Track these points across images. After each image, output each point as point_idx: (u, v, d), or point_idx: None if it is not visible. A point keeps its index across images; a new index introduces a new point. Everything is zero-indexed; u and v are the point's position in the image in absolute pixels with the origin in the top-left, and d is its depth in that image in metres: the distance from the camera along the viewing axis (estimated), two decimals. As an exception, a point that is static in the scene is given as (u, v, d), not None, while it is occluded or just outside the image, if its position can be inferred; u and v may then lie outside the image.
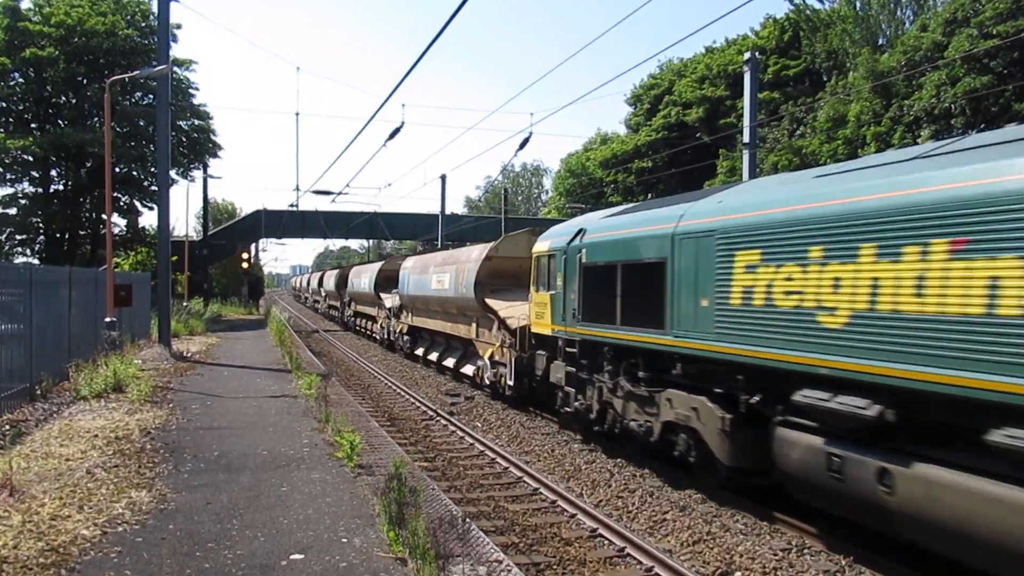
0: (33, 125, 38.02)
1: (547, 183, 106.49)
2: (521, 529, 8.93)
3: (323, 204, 48.14)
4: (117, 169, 34.47)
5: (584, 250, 12.62)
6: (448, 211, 47.95)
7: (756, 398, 8.79)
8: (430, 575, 5.75)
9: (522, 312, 16.48)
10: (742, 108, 22.53)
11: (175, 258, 31.65)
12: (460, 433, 14.34)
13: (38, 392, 13.56)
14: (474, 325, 19.57)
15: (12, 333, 12.80)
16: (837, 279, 7.41)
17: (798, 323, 7.86)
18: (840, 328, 7.33)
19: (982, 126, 30.16)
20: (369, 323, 36.69)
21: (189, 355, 21.86)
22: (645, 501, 10.03)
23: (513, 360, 16.37)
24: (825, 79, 43.74)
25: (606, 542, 8.51)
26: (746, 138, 20.93)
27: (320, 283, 60.17)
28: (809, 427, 7.93)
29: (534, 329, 15.12)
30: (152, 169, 37.11)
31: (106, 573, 5.88)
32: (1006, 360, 5.80)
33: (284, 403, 14.23)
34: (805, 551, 8.24)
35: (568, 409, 13.49)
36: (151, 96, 37.45)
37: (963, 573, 6.75)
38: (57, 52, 35.43)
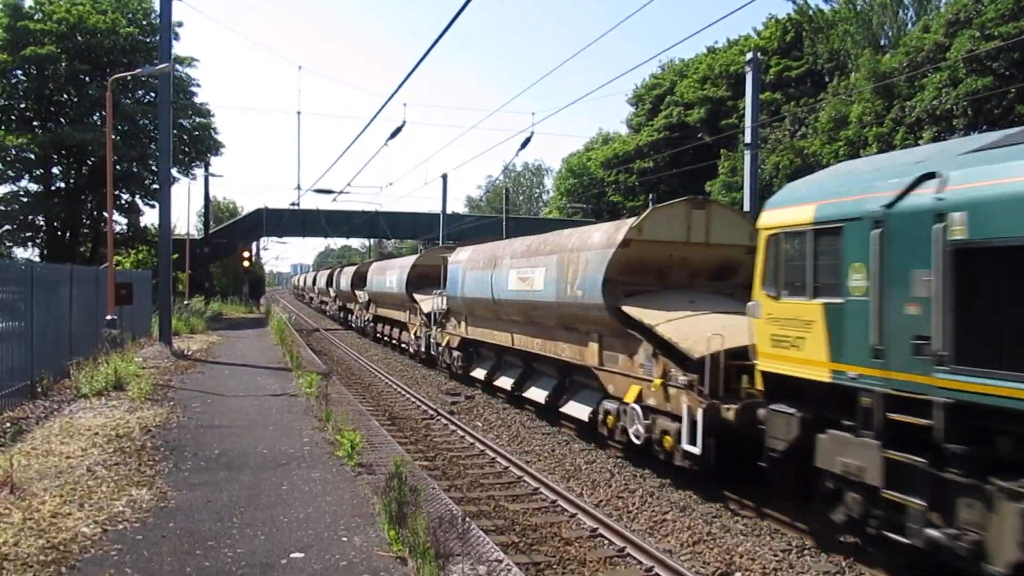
0: (35, 123, 38.01)
1: (548, 183, 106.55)
2: (521, 529, 8.93)
3: (324, 203, 48.01)
4: (118, 167, 34.41)
5: (959, 215, 6.38)
6: (449, 210, 47.90)
7: None
8: (430, 574, 5.75)
9: (699, 330, 10.51)
10: (744, 108, 22.51)
11: (176, 256, 31.69)
12: (461, 432, 14.34)
13: (39, 390, 13.56)
14: (594, 345, 13.40)
15: (13, 331, 12.80)
16: None
17: None
18: None
19: (983, 128, 30.17)
20: (397, 331, 30.13)
21: (190, 353, 21.86)
22: (645, 501, 10.03)
23: (700, 412, 9.91)
24: (827, 80, 43.73)
25: (606, 542, 8.51)
26: (748, 139, 20.90)
27: (329, 282, 53.29)
28: None
29: (768, 365, 8.65)
30: (153, 167, 37.11)
31: (107, 571, 5.88)
32: None
33: (285, 402, 14.23)
34: (805, 552, 8.25)
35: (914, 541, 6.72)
36: (153, 94, 37.45)
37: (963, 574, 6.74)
38: (58, 50, 35.40)
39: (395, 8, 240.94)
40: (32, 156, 36.50)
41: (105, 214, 29.12)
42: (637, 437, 11.53)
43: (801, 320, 8.00)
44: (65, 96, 38.14)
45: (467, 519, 7.49)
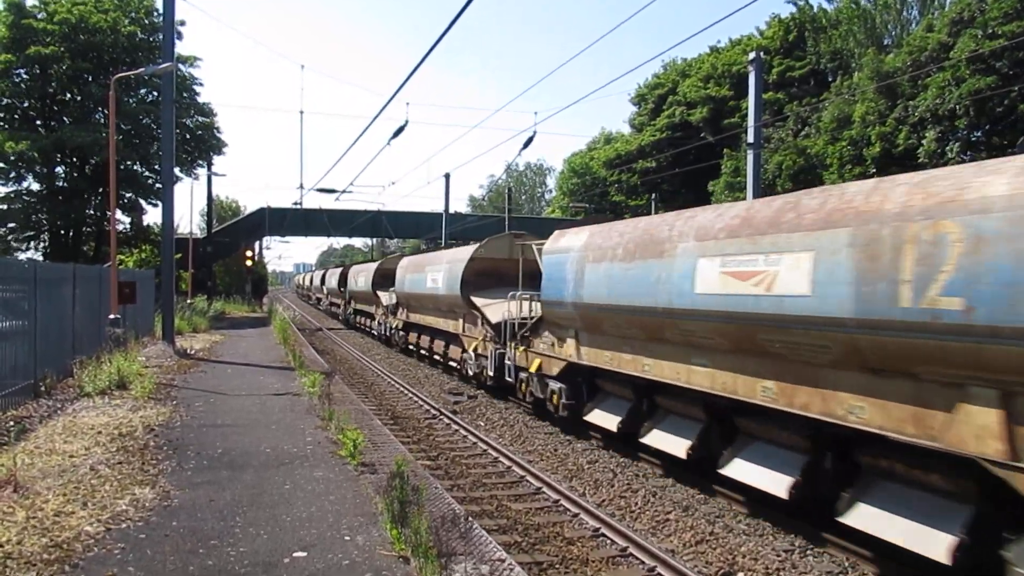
0: (38, 122, 38.08)
1: (550, 182, 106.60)
2: (524, 528, 8.93)
3: (327, 202, 48.03)
4: (121, 166, 34.51)
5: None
6: (452, 210, 47.95)
7: None
8: (432, 574, 5.75)
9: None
10: (746, 108, 22.49)
11: (179, 255, 31.73)
12: (463, 432, 14.35)
13: (42, 389, 13.59)
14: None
15: (16, 330, 12.82)
16: None
17: None
18: None
19: (986, 127, 30.13)
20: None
21: (193, 352, 21.88)
22: (648, 501, 10.03)
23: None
24: (830, 79, 43.69)
25: (608, 542, 8.51)
26: (750, 138, 20.90)
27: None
28: None
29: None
30: (156, 166, 37.16)
31: (110, 570, 5.89)
32: None
33: (287, 401, 14.25)
34: (808, 552, 8.24)
35: None
36: (155, 93, 37.48)
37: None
38: (61, 49, 35.49)
39: (397, 7, 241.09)
40: (35, 155, 36.56)
41: (108, 213, 29.15)
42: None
43: None
44: (68, 95, 38.22)
45: (469, 518, 7.49)
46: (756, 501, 9.41)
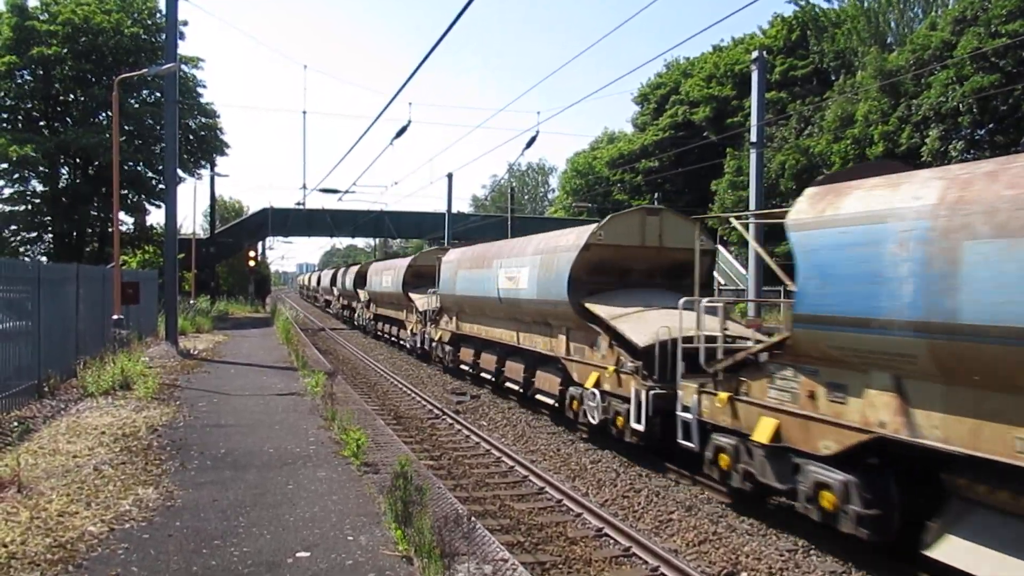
0: (41, 123, 38.14)
1: (553, 182, 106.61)
2: (527, 528, 8.93)
3: (330, 202, 48.14)
4: (125, 167, 34.53)
5: None
6: (455, 210, 47.95)
7: None
8: (436, 573, 5.75)
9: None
10: (749, 107, 22.46)
11: (182, 256, 31.79)
12: (466, 432, 14.35)
13: (46, 389, 13.60)
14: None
15: (20, 330, 12.85)
16: None
17: None
18: None
19: (990, 125, 30.07)
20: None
21: (196, 353, 21.92)
22: (651, 501, 10.02)
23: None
24: (833, 78, 43.63)
25: (611, 541, 8.50)
26: (753, 137, 20.90)
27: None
28: None
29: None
30: (160, 167, 37.19)
31: (113, 569, 5.90)
32: None
33: (290, 401, 14.26)
34: (811, 552, 8.23)
35: None
36: (158, 94, 37.49)
37: None
38: (64, 50, 35.53)
39: (400, 7, 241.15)
40: (39, 158, 36.61)
41: (111, 214, 29.19)
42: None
43: None
44: (71, 96, 38.27)
45: (473, 518, 7.49)
46: (759, 501, 9.40)
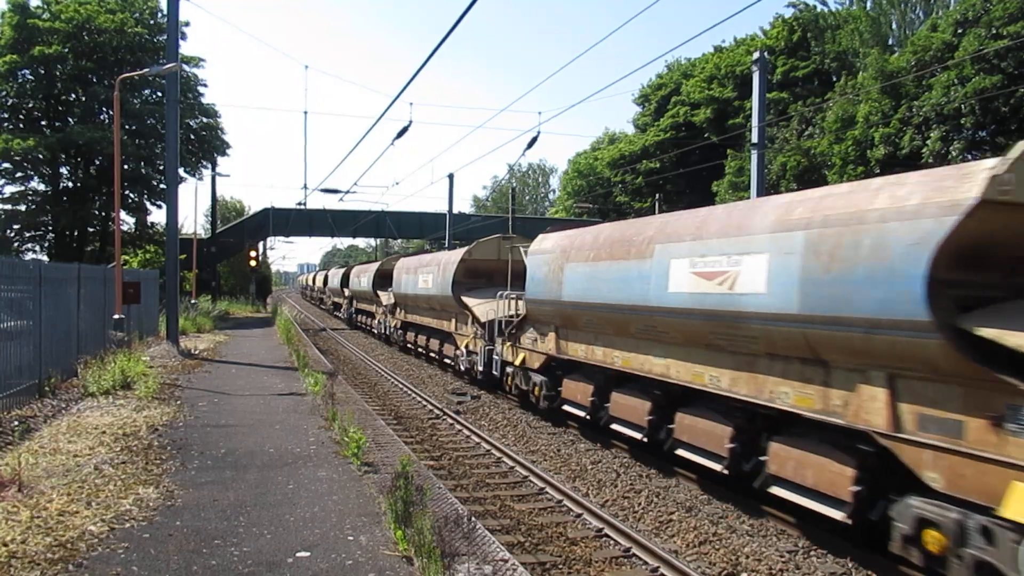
0: (43, 123, 38.18)
1: (554, 182, 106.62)
2: (527, 528, 8.93)
3: (331, 203, 48.24)
4: (126, 167, 34.59)
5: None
6: (455, 210, 47.96)
7: None
8: (436, 574, 5.75)
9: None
10: (750, 108, 22.44)
11: (183, 256, 31.81)
12: (466, 432, 14.34)
13: (46, 388, 13.62)
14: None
15: (21, 329, 12.86)
16: None
17: None
18: None
19: (992, 127, 30.05)
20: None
21: (197, 352, 21.93)
22: (651, 502, 10.02)
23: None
24: (834, 79, 43.62)
25: (612, 542, 8.50)
26: (755, 138, 20.86)
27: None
28: None
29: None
30: (161, 167, 37.23)
31: (114, 569, 5.91)
32: None
33: (291, 401, 14.27)
34: (811, 553, 8.22)
35: None
36: (160, 93, 37.58)
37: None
38: (66, 49, 35.57)
39: (402, 7, 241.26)
40: (40, 156, 36.67)
41: (112, 213, 29.20)
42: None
43: None
44: (73, 96, 38.31)
45: (473, 519, 7.49)
46: (761, 502, 9.39)
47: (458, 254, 20.70)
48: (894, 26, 42.60)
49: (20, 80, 36.86)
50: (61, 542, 6.36)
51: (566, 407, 13.99)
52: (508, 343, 16.69)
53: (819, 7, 47.36)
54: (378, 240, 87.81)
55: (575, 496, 9.98)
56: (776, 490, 8.53)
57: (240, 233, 53.33)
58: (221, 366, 19.56)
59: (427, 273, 23.02)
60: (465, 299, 19.36)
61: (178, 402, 13.62)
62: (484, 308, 18.48)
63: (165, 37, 27.80)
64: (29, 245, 40.00)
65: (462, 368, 20.45)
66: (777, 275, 8.12)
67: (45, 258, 38.03)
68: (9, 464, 8.31)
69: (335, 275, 54.17)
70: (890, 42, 41.89)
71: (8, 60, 34.83)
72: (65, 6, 36.32)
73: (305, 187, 36.41)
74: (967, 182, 6.49)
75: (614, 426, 12.20)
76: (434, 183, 67.27)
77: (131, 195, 39.03)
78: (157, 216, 43.38)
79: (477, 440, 13.66)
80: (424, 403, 17.68)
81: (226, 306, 45.04)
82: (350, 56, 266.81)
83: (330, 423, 11.81)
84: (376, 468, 9.30)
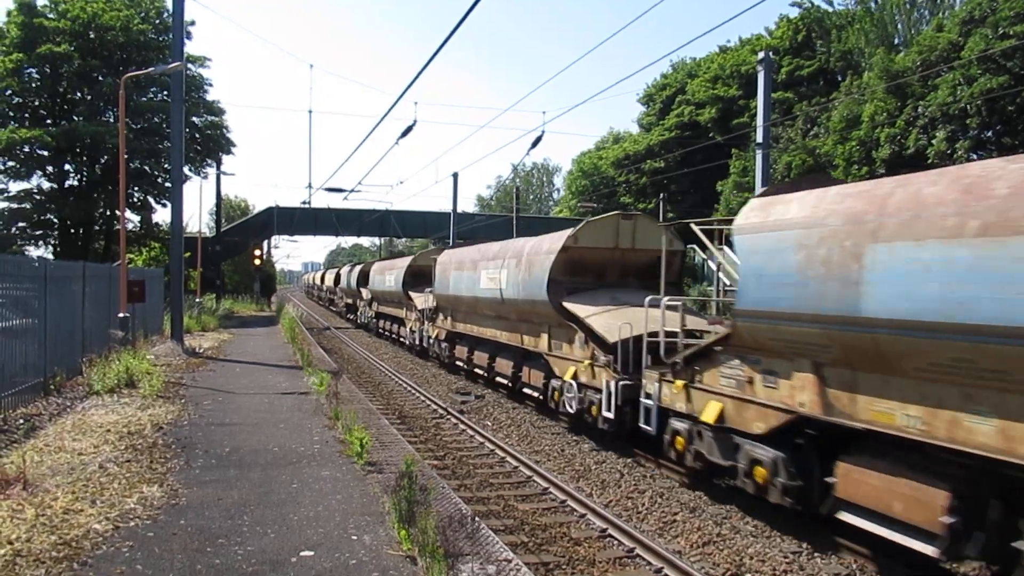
0: (48, 121, 38.27)
1: (558, 182, 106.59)
2: (531, 528, 8.93)
3: (335, 201, 48.17)
4: (131, 165, 34.64)
5: None
6: (460, 209, 47.97)
7: None
8: (439, 573, 5.75)
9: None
10: (755, 108, 22.42)
11: (188, 254, 31.85)
12: (470, 432, 14.34)
13: (52, 387, 13.65)
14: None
15: (27, 328, 12.89)
16: None
17: None
18: None
19: (998, 127, 29.94)
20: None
21: (201, 351, 21.96)
22: (655, 502, 10.01)
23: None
24: (839, 79, 43.52)
25: (615, 542, 8.49)
26: (759, 138, 20.84)
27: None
28: None
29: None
30: (166, 165, 37.29)
31: (118, 567, 5.92)
32: None
33: (295, 400, 14.28)
34: (815, 554, 8.21)
35: None
36: (165, 92, 37.60)
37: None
38: (72, 48, 35.64)
39: (406, 7, 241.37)
40: (46, 153, 36.73)
41: (117, 212, 29.25)
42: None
43: None
44: (79, 94, 38.41)
45: (477, 518, 7.49)
46: (761, 501, 9.37)
47: (555, 240, 14.23)
48: (899, 26, 42.47)
49: (26, 78, 36.94)
50: (66, 540, 6.37)
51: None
52: (673, 380, 10.52)
53: (822, 7, 47.31)
54: (382, 239, 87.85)
55: (579, 496, 9.97)
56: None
57: (244, 232, 53.41)
58: (225, 365, 19.59)
59: (495, 268, 16.69)
60: (570, 306, 13.53)
61: (182, 400, 13.64)
62: (606, 321, 12.94)
63: (171, 36, 27.82)
64: (34, 243, 40.15)
65: (569, 409, 13.84)
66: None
67: (50, 256, 38.14)
68: (14, 462, 8.33)
69: (350, 273, 46.98)
70: (896, 42, 41.76)
71: (14, 58, 34.92)
72: (72, 5, 36.40)
73: (310, 186, 36.65)
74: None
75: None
76: (438, 182, 67.53)
77: (136, 193, 39.11)
78: (162, 214, 43.52)
79: (481, 440, 13.67)
80: (428, 402, 17.68)
81: (230, 305, 45.08)
82: (355, 55, 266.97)
83: (334, 422, 11.81)
84: (380, 467, 9.30)
